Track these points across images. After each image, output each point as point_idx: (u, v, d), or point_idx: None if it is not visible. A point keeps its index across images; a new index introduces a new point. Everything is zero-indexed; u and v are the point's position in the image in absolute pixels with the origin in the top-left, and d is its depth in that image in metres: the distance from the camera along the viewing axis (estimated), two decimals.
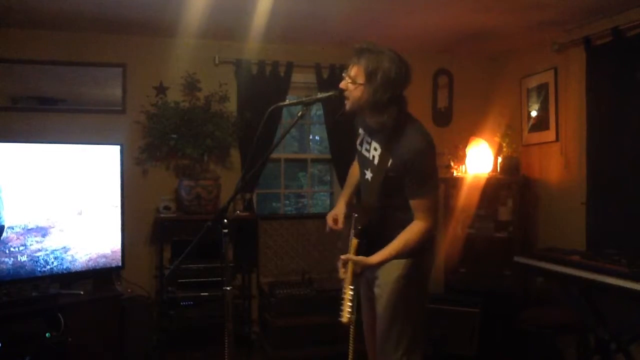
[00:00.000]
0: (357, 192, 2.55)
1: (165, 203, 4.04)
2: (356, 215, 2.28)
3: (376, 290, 2.33)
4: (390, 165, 2.19)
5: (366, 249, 2.20)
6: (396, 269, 2.26)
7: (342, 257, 2.17)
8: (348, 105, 2.21)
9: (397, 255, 2.21)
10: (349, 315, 2.05)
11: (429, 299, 3.89)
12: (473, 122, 4.70)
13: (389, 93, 2.11)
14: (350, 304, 2.05)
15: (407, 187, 2.21)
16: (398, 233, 2.22)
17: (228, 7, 3.47)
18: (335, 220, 2.44)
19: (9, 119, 3.90)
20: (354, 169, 2.57)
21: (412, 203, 2.21)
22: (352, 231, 2.26)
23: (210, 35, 4.15)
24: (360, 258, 2.17)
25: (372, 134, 2.30)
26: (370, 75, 2.10)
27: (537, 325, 3.33)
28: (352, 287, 2.08)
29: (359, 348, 2.51)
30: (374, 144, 2.28)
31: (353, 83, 2.15)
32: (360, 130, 2.40)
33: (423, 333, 2.42)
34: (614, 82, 3.55)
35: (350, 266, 2.14)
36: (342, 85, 2.19)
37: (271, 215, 4.76)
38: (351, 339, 2.41)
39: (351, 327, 2.41)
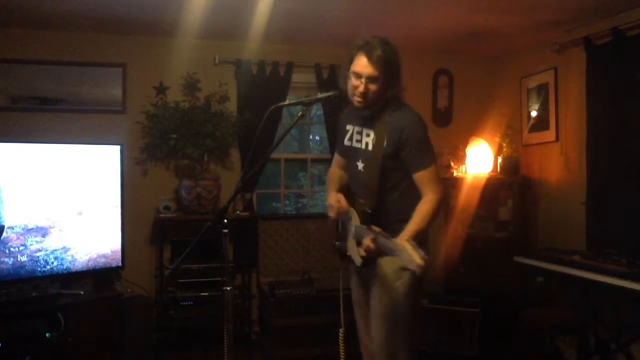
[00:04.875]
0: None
1: (165, 203, 4.03)
2: (361, 201, 2.25)
3: (374, 290, 2.30)
4: (387, 142, 2.19)
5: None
6: (391, 267, 2.22)
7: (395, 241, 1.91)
8: (365, 103, 2.20)
9: (419, 231, 2.10)
10: (421, 258, 1.72)
11: (429, 298, 3.93)
12: (473, 122, 4.70)
13: (400, 73, 2.22)
14: (411, 251, 1.75)
15: (408, 161, 2.19)
16: (397, 212, 2.21)
17: (228, 7, 3.47)
18: (339, 200, 2.34)
19: (9, 119, 3.90)
20: (333, 173, 2.57)
21: (417, 177, 2.19)
22: (352, 225, 2.22)
23: (210, 35, 4.15)
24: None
25: (364, 123, 2.31)
26: (388, 68, 2.15)
27: (537, 325, 3.34)
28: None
29: (350, 351, 2.49)
30: (366, 131, 2.30)
31: (374, 82, 2.15)
32: (349, 127, 2.40)
33: (414, 334, 2.39)
34: (614, 82, 3.55)
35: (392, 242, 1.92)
36: (361, 89, 2.16)
37: (271, 215, 4.75)
38: (341, 341, 2.40)
39: (341, 330, 2.40)
